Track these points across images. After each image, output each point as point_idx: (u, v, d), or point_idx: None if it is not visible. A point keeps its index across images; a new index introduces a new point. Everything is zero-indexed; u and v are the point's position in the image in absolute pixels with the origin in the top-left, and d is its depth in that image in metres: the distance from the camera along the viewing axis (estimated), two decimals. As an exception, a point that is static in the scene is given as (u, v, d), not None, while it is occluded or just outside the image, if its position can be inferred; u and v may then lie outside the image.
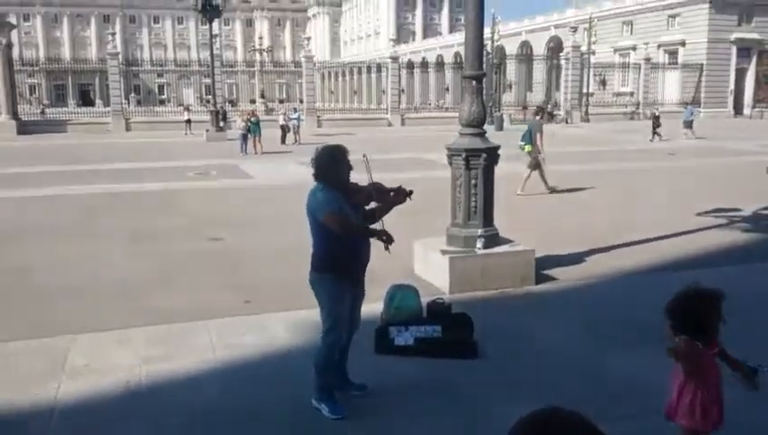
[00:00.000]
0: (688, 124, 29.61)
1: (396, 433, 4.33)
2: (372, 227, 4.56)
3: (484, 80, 7.38)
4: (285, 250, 9.48)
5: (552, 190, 14.23)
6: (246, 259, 9.00)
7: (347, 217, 4.40)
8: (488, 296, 7.07)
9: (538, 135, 14.05)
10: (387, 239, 4.42)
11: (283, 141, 28.35)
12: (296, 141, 28.56)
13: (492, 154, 7.41)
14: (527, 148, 14.26)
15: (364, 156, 4.67)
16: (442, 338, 5.58)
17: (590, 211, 12.30)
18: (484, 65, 7.43)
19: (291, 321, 6.26)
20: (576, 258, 8.69)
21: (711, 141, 28.19)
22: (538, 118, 14.97)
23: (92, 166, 20.35)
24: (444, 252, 7.34)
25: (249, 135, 24.63)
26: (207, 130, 31.48)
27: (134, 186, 16.33)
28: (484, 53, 7.43)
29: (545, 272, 7.93)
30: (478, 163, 7.34)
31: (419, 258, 7.86)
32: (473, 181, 7.39)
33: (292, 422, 4.39)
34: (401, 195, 4.60)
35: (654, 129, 28.33)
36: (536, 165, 14.15)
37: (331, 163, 4.43)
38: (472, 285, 7.21)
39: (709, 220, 11.14)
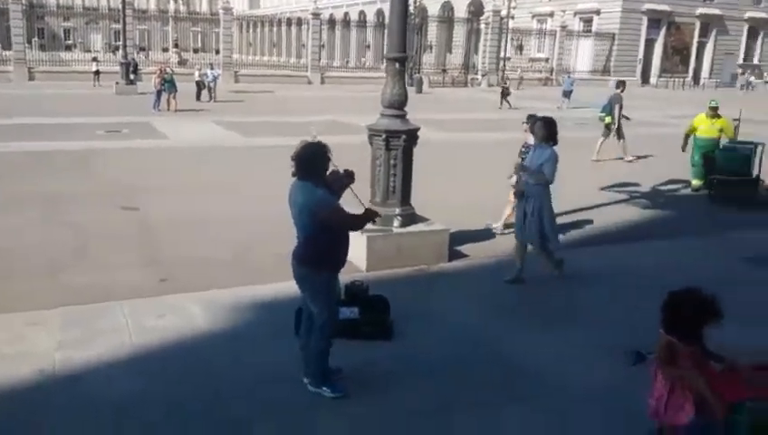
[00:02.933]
0: (567, 94, 30.68)
1: (311, 420, 4.51)
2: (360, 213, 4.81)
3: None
4: (202, 220, 9.43)
5: (631, 158, 15.66)
6: (162, 231, 8.88)
7: (347, 211, 4.64)
8: (404, 274, 7.32)
9: (617, 107, 15.64)
10: (376, 216, 4.86)
11: (198, 98, 27.57)
12: (212, 98, 27.83)
13: (411, 136, 7.58)
14: (607, 119, 15.85)
15: (313, 136, 4.78)
16: (359, 320, 5.78)
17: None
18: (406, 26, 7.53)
19: (208, 302, 6.29)
20: (486, 234, 9.07)
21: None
22: (619, 91, 16.40)
23: (-7, 120, 19.26)
24: (363, 230, 7.49)
25: (163, 91, 23.84)
26: (117, 83, 30.20)
27: (41, 144, 15.61)
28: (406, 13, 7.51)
29: (458, 248, 8.25)
30: (398, 144, 7.50)
31: (338, 235, 8.00)
32: (392, 162, 7.55)
33: (209, 417, 4.46)
34: (351, 177, 4.89)
35: (503, 97, 29.78)
36: (619, 133, 15.78)
37: (318, 161, 4.52)
38: (388, 263, 7.43)
39: (612, 195, 11.78)
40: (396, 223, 7.60)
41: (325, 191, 4.52)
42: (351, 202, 4.96)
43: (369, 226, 7.51)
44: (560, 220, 9.46)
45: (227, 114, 23.39)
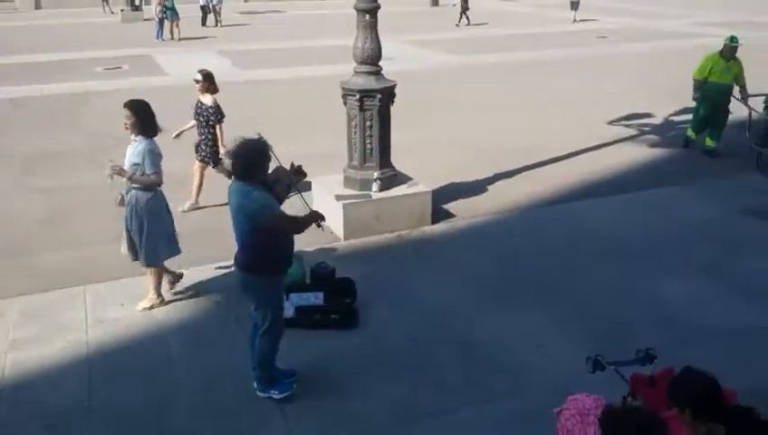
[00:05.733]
0: (574, 5, 27.44)
1: (267, 420, 4.36)
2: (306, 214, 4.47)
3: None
4: (187, 183, 9.13)
5: None
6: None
7: (287, 215, 4.38)
8: (382, 242, 7.03)
9: None
10: (321, 219, 4.45)
11: (204, 23, 26.79)
12: (218, 23, 27.03)
13: (387, 94, 7.10)
14: None
15: (258, 134, 4.41)
16: (323, 307, 5.55)
17: (502, 123, 12.12)
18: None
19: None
20: (478, 186, 8.66)
21: (639, 19, 27.96)
22: None
23: (-7, 59, 18.97)
24: (338, 197, 7.17)
25: (165, 19, 23.13)
26: (122, 10, 29.41)
27: (37, 87, 15.33)
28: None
29: (445, 206, 7.91)
30: (373, 104, 7.05)
31: (317, 199, 7.68)
32: (368, 123, 7.13)
33: (152, 427, 4.33)
34: (303, 173, 4.67)
35: (462, 12, 26.73)
36: None
37: (259, 160, 4.18)
38: (367, 230, 7.14)
39: (619, 131, 11.16)
40: (374, 187, 7.25)
41: (263, 194, 4.18)
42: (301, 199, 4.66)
43: (346, 192, 7.32)
44: (567, 169, 8.88)
45: (233, 42, 22.75)
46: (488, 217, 7.65)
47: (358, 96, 7.00)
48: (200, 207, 7.96)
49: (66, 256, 6.87)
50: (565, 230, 7.23)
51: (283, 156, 4.81)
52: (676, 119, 11.85)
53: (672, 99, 12.51)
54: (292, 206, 4.77)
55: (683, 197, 8.15)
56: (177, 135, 7.84)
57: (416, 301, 5.84)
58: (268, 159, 4.24)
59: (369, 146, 7.21)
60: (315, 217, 4.41)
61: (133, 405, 4.50)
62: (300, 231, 4.41)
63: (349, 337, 5.30)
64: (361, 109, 7.04)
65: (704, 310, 5.62)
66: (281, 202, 4.46)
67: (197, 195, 8.00)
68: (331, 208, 7.26)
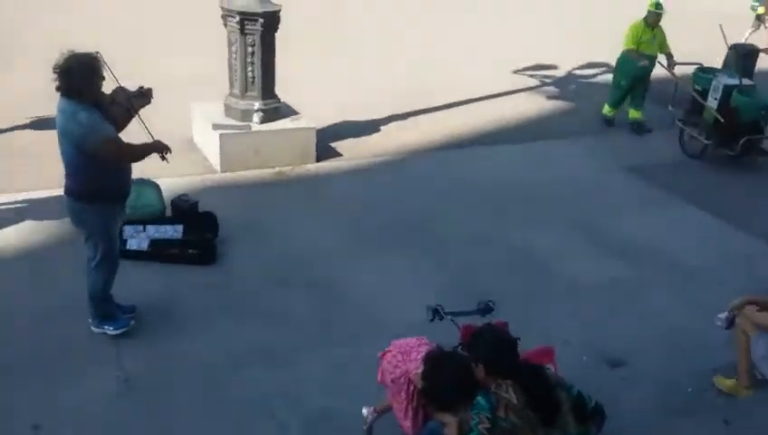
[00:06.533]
0: None
1: (98, 357, 4.12)
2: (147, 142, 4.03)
3: None
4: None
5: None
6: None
7: (122, 142, 3.94)
8: (260, 178, 6.75)
9: None
10: (165, 150, 4.03)
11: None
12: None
13: (271, 19, 6.70)
14: (760, 9, 13.46)
15: (97, 53, 4.00)
16: (181, 241, 5.28)
17: (408, 62, 11.81)
18: None
19: (32, 206, 5.67)
20: (372, 127, 8.43)
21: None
22: None
23: None
24: (215, 126, 6.81)
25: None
26: None
27: None
28: None
29: (333, 145, 7.68)
30: (255, 29, 6.64)
31: (197, 126, 7.30)
32: (249, 49, 6.73)
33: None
34: (147, 97, 4.18)
35: None
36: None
37: (89, 75, 3.74)
38: (246, 164, 6.83)
39: (524, 81, 11.09)
40: (256, 119, 6.91)
41: (92, 116, 3.74)
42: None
43: (224, 122, 6.96)
44: (457, 116, 8.62)
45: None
46: (374, 160, 7.45)
47: (238, 18, 6.56)
48: None
49: None
50: (447, 177, 7.13)
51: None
52: (578, 72, 11.89)
53: (579, 52, 12.53)
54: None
55: (569, 151, 8.17)
56: None
57: (281, 240, 5.62)
58: (100, 76, 3.78)
59: (250, 74, 6.83)
60: (158, 148, 3.99)
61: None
62: (135, 160, 4.04)
63: (203, 274, 5.05)
64: (242, 33, 6.63)
65: (567, 262, 5.66)
66: (120, 128, 4.05)
67: None
68: (208, 138, 6.92)
